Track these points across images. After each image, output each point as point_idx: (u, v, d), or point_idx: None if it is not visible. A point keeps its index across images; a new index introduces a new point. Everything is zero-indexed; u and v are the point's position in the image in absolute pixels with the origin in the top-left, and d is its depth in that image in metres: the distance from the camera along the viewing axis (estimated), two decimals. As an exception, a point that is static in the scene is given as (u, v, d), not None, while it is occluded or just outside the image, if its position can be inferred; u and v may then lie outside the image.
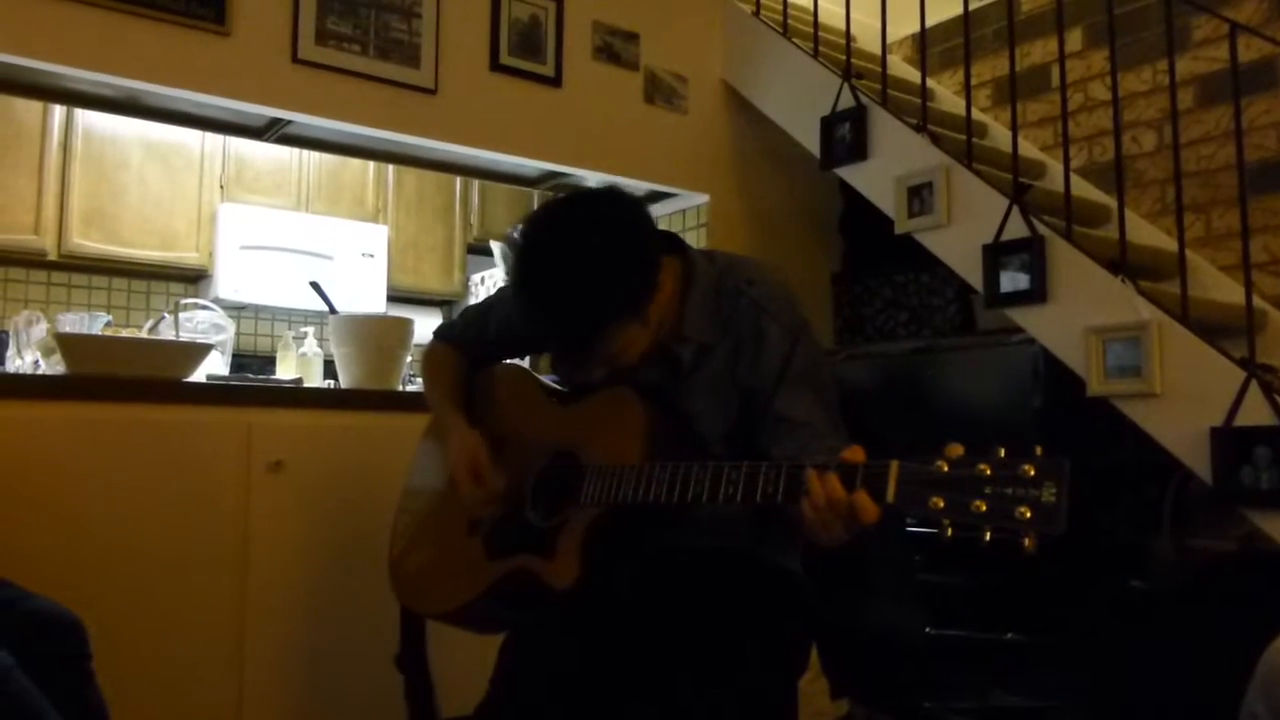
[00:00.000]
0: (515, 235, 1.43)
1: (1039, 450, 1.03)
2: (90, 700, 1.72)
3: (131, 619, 2.22)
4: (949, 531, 1.06)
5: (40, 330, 2.70)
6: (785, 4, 3.68)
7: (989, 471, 1.05)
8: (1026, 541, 1.01)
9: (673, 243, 1.55)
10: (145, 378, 2.35)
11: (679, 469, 1.33)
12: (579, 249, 1.37)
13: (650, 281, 1.42)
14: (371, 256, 4.81)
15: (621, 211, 1.43)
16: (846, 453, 1.18)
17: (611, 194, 1.47)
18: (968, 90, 3.11)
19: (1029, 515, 1.01)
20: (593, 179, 3.50)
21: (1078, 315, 2.62)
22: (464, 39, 3.21)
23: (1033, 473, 1.02)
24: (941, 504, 1.07)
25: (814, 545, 1.28)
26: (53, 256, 4.15)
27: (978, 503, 1.04)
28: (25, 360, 2.68)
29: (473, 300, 4.96)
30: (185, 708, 2.29)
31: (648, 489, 1.36)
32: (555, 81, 3.38)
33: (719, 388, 1.50)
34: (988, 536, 1.03)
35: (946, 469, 1.08)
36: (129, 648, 2.15)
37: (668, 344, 1.50)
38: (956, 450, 1.09)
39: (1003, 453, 1.05)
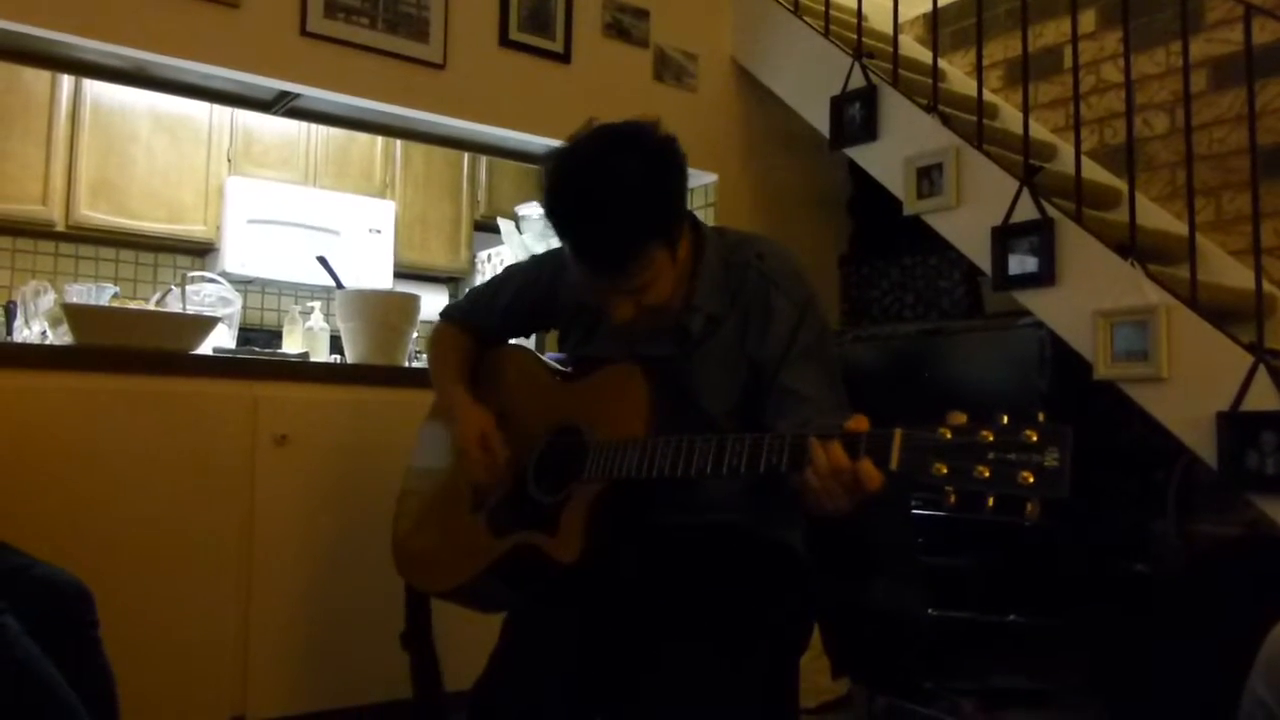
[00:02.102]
0: (553, 155, 1.44)
1: (1041, 417, 1.03)
2: (97, 667, 1.74)
3: (137, 589, 2.23)
4: (952, 498, 1.06)
5: (48, 301, 2.71)
6: (797, -18, 3.66)
7: (992, 438, 1.05)
8: (1029, 506, 1.02)
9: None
10: (152, 349, 2.36)
11: (683, 441, 1.33)
12: (620, 162, 1.38)
13: (683, 205, 1.45)
14: (378, 232, 4.81)
15: (659, 135, 1.45)
16: (850, 421, 1.18)
17: (647, 122, 1.47)
18: (979, 71, 3.09)
19: (1031, 480, 1.01)
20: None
21: (1086, 298, 2.61)
22: (473, 14, 3.19)
23: (1035, 438, 1.03)
24: (944, 470, 1.07)
25: (817, 522, 1.28)
26: (60, 227, 4.15)
27: (980, 468, 1.05)
28: (33, 330, 2.69)
29: (479, 277, 4.97)
30: (190, 678, 2.31)
31: (651, 462, 1.36)
32: (564, 58, 3.37)
33: (727, 360, 1.51)
34: (990, 502, 1.04)
35: (949, 436, 1.08)
36: (135, 617, 2.16)
37: (678, 315, 1.50)
38: (959, 418, 1.09)
39: (1006, 420, 1.06)
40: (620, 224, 1.37)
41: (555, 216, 1.43)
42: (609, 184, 1.38)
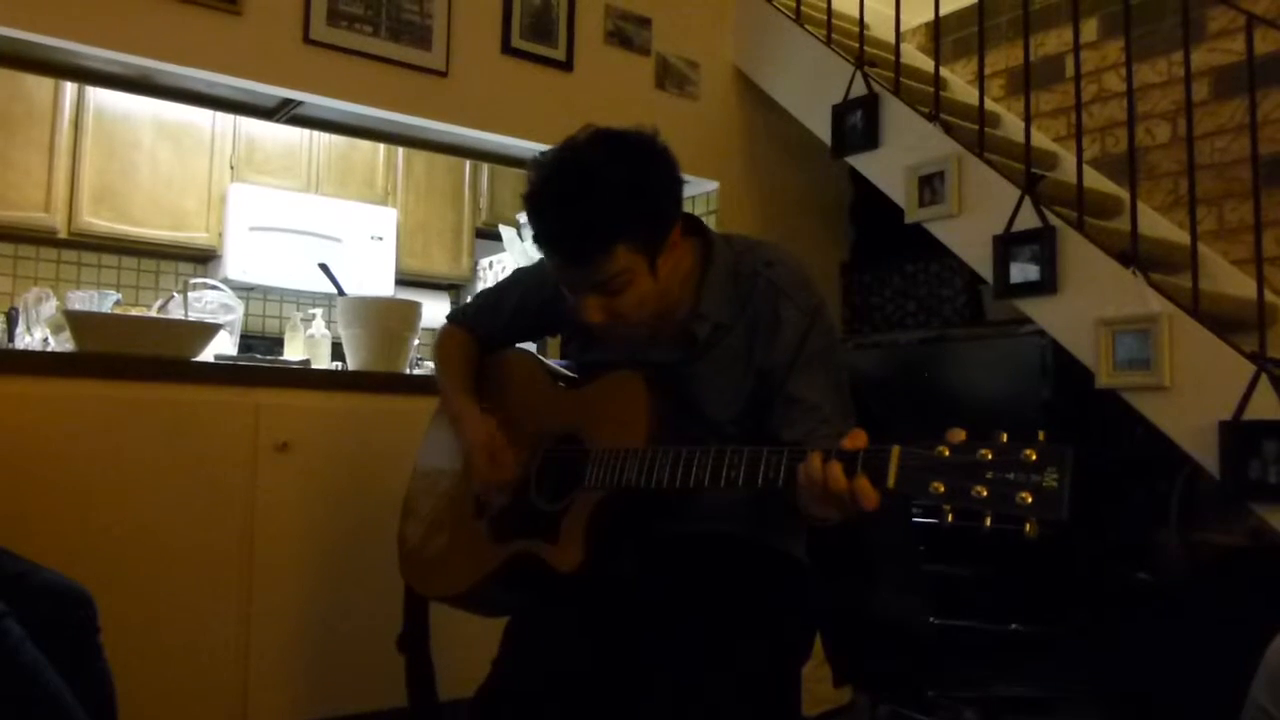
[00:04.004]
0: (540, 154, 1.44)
1: (1041, 436, 1.02)
2: (98, 672, 1.74)
3: (138, 595, 2.23)
4: (949, 517, 1.05)
5: (50, 308, 2.71)
6: (798, -10, 3.67)
7: (990, 457, 1.04)
8: (1027, 527, 1.01)
9: (693, 224, 1.55)
10: (154, 356, 2.35)
11: (681, 453, 1.33)
12: (599, 154, 1.38)
13: (662, 211, 1.42)
14: (380, 239, 4.81)
15: (647, 139, 1.44)
16: (849, 437, 1.17)
17: (644, 130, 1.46)
18: (981, 80, 3.10)
19: (1030, 501, 1.00)
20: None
21: (1088, 307, 2.61)
22: (476, 22, 3.20)
23: (1034, 458, 1.01)
24: (942, 489, 1.06)
25: (819, 532, 1.28)
26: (63, 234, 4.16)
27: (978, 488, 1.03)
28: (35, 337, 2.69)
29: (481, 284, 4.97)
30: (191, 683, 2.31)
31: (650, 473, 1.36)
32: (566, 65, 3.37)
33: (733, 368, 1.50)
34: (988, 522, 1.03)
35: (948, 454, 1.07)
36: (136, 623, 2.16)
37: (684, 322, 1.50)
38: (958, 435, 1.08)
39: (1005, 438, 1.04)
40: (585, 209, 1.36)
41: (527, 202, 1.43)
42: (580, 172, 1.37)
